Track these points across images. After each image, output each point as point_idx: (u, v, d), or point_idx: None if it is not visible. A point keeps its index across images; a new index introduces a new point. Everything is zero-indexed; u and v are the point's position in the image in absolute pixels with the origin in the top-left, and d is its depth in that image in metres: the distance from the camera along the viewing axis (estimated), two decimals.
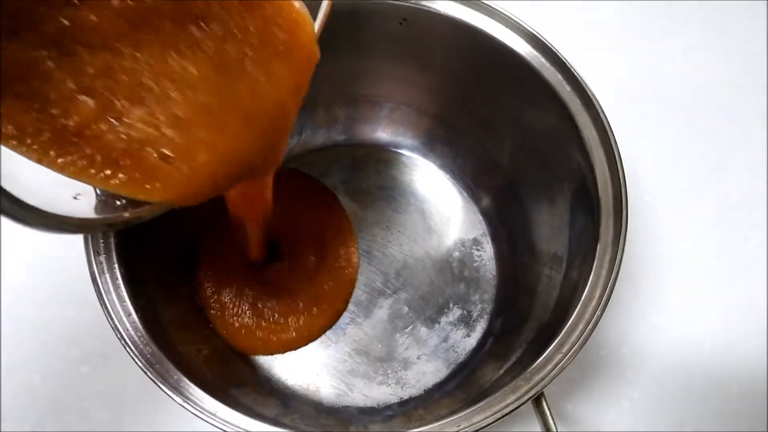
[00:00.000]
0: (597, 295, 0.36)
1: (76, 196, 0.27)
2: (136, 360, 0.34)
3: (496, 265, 0.51)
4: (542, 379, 0.34)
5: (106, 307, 0.35)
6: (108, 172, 0.26)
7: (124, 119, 0.26)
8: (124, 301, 0.35)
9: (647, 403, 0.48)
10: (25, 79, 0.24)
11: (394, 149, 0.55)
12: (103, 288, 0.35)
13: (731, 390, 0.48)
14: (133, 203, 0.28)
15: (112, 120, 0.26)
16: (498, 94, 0.46)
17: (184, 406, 0.33)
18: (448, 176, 0.54)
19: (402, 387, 0.47)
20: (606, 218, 0.38)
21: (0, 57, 0.23)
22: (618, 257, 0.37)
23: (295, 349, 0.48)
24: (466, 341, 0.48)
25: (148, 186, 0.27)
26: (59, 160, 0.25)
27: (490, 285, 0.50)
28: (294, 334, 0.48)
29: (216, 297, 0.48)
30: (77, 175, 0.25)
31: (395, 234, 0.52)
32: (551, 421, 0.35)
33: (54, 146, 0.25)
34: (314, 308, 0.49)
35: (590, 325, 0.36)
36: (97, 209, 0.28)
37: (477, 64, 0.44)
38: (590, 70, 0.41)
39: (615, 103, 0.42)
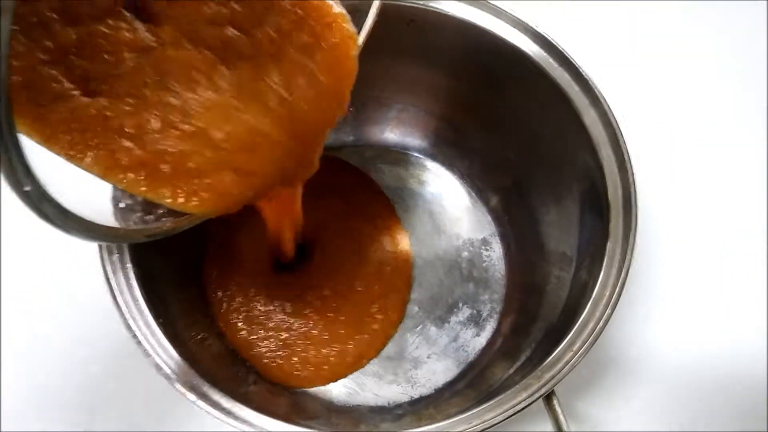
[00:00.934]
0: (607, 294, 0.37)
1: (120, 208, 0.28)
2: (150, 359, 0.34)
3: (505, 264, 0.51)
4: (553, 376, 0.35)
5: (120, 306, 0.35)
6: (163, 186, 0.27)
7: (179, 135, 0.27)
8: (137, 300, 0.35)
9: (658, 402, 0.48)
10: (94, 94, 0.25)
11: (402, 150, 0.55)
12: (117, 287, 0.35)
13: (742, 390, 0.48)
14: (173, 214, 0.29)
15: (168, 136, 0.27)
16: (505, 94, 0.46)
17: (197, 404, 0.33)
18: (456, 177, 0.54)
19: (412, 386, 0.47)
20: (615, 217, 0.38)
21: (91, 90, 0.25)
22: (628, 256, 0.37)
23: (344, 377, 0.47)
24: (476, 340, 0.48)
25: (195, 199, 0.27)
26: (123, 175, 0.26)
27: (499, 285, 0.50)
28: (343, 358, 0.47)
29: (233, 314, 0.47)
30: (133, 188, 0.26)
31: None
32: (562, 419, 0.35)
33: (118, 161, 0.26)
34: (370, 324, 0.48)
35: (600, 324, 0.36)
36: (136, 221, 0.28)
37: (484, 65, 0.45)
38: (597, 70, 0.41)
39: (622, 104, 0.42)
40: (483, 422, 0.33)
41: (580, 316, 0.36)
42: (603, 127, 0.40)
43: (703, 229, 0.53)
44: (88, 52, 0.25)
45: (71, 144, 0.25)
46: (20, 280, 0.49)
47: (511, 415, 0.34)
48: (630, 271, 0.37)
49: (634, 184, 0.38)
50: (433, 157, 0.55)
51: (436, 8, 0.42)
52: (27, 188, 0.19)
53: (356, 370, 0.47)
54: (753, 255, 0.52)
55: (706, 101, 0.58)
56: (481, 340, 0.48)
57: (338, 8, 0.30)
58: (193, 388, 0.33)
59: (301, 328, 0.48)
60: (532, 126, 0.46)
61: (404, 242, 0.52)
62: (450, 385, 0.46)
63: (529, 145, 0.47)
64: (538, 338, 0.42)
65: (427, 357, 0.48)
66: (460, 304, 0.50)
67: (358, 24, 0.33)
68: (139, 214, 0.29)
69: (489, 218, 0.53)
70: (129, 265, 0.36)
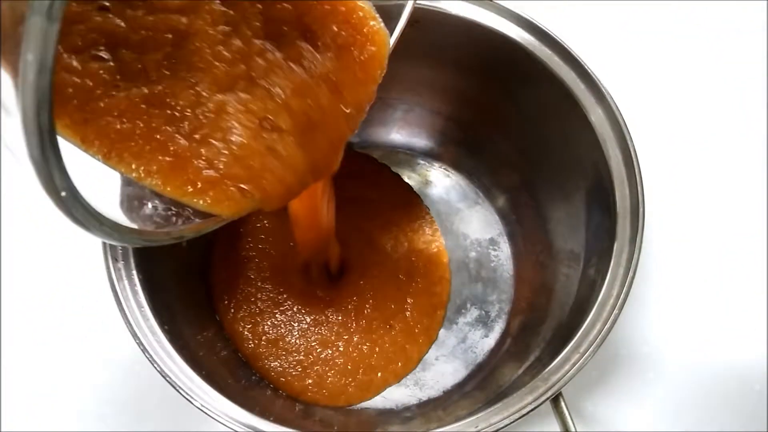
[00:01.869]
0: (614, 294, 0.36)
1: (146, 209, 0.27)
2: (155, 365, 0.34)
3: (513, 264, 0.51)
4: (560, 379, 0.34)
5: (125, 313, 0.35)
6: (198, 188, 0.27)
7: (217, 136, 0.27)
8: (143, 307, 0.36)
9: (667, 402, 0.47)
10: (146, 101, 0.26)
11: (408, 151, 0.55)
12: (122, 294, 0.36)
13: (755, 390, 0.47)
14: (198, 216, 0.29)
15: (207, 138, 0.27)
16: (512, 93, 0.45)
17: (202, 410, 0.33)
18: (463, 176, 0.54)
19: (421, 388, 0.47)
20: (623, 216, 0.38)
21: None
22: (635, 255, 0.36)
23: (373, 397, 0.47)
24: (485, 341, 0.48)
25: (227, 201, 0.27)
26: (154, 179, 0.26)
27: (507, 285, 0.50)
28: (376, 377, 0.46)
29: (239, 324, 0.47)
30: (169, 189, 0.26)
31: None
32: (570, 421, 0.35)
33: (158, 160, 0.26)
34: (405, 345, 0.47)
35: (608, 325, 0.35)
36: (158, 223, 0.28)
37: (490, 64, 0.44)
38: (603, 68, 0.41)
39: (628, 102, 0.41)
40: (490, 425, 0.33)
41: (587, 317, 0.36)
42: (610, 125, 0.39)
43: (711, 227, 0.52)
44: (134, 45, 0.25)
45: (111, 145, 0.25)
46: (26, 285, 0.49)
47: (518, 419, 0.33)
48: (639, 268, 0.36)
49: (641, 182, 0.38)
50: (440, 158, 0.54)
51: (441, 9, 0.42)
52: (63, 194, 0.19)
53: (375, 396, 0.46)
54: (762, 254, 0.51)
55: (712, 99, 0.57)
56: (490, 341, 0.48)
57: (378, 24, 0.30)
58: (197, 394, 0.34)
59: (320, 349, 0.47)
60: (539, 124, 0.45)
61: (443, 260, 0.51)
62: (458, 387, 0.46)
63: (536, 144, 0.47)
64: (547, 338, 0.42)
65: (436, 359, 0.47)
66: (468, 305, 0.49)
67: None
68: (165, 217, 0.28)
69: (496, 217, 0.52)
70: (134, 273, 0.36)
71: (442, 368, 0.47)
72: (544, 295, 0.46)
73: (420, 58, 0.47)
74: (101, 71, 0.25)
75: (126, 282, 0.36)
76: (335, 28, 0.29)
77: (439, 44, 0.45)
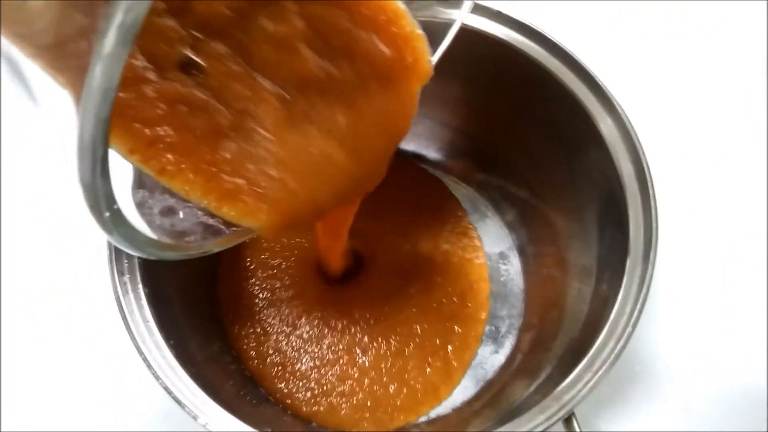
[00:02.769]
0: (628, 311, 0.35)
1: (177, 222, 0.27)
2: (160, 382, 0.34)
3: (523, 279, 0.50)
4: (572, 398, 0.33)
5: (130, 328, 0.35)
6: (231, 198, 0.26)
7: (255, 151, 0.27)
8: (148, 321, 0.35)
9: (683, 421, 0.46)
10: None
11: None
12: (128, 308, 0.35)
13: None
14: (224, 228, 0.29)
15: (246, 150, 0.27)
16: (521, 104, 0.45)
17: (207, 428, 0.32)
18: (472, 189, 0.53)
19: None
20: (635, 230, 0.37)
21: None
22: (649, 271, 0.36)
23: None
24: (495, 358, 0.47)
25: (261, 214, 0.27)
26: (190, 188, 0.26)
27: (517, 299, 0.49)
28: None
29: (244, 341, 0.46)
30: (200, 198, 0.26)
31: None
32: None
33: (194, 172, 0.26)
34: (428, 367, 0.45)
35: (621, 342, 0.35)
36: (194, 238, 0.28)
37: (498, 75, 0.44)
38: (614, 80, 0.40)
39: (640, 114, 0.41)
40: None
41: (600, 333, 0.35)
42: (621, 138, 0.39)
43: (726, 241, 0.51)
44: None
45: (159, 157, 0.25)
46: (29, 289, 0.49)
47: None
48: (654, 282, 0.35)
49: (654, 195, 0.37)
50: (449, 170, 0.54)
51: (448, 20, 0.41)
52: (107, 214, 0.19)
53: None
54: None
55: (725, 109, 0.56)
56: (500, 358, 0.47)
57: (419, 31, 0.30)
58: (203, 411, 0.33)
59: (336, 382, 0.45)
60: (549, 137, 0.45)
61: (484, 277, 0.49)
62: (468, 405, 0.45)
63: (546, 157, 0.46)
64: (559, 354, 0.41)
65: None
66: None
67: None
68: (196, 232, 0.28)
69: (506, 231, 0.52)
70: (140, 287, 0.36)
71: None
72: (555, 310, 0.45)
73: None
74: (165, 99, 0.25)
75: (132, 296, 0.36)
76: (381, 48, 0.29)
77: (448, 56, 0.44)
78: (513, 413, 0.36)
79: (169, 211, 0.27)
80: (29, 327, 0.48)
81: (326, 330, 0.47)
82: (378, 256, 0.50)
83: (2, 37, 0.18)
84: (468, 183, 0.53)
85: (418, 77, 0.30)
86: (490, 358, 0.47)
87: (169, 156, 0.25)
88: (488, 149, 0.51)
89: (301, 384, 0.45)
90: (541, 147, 0.46)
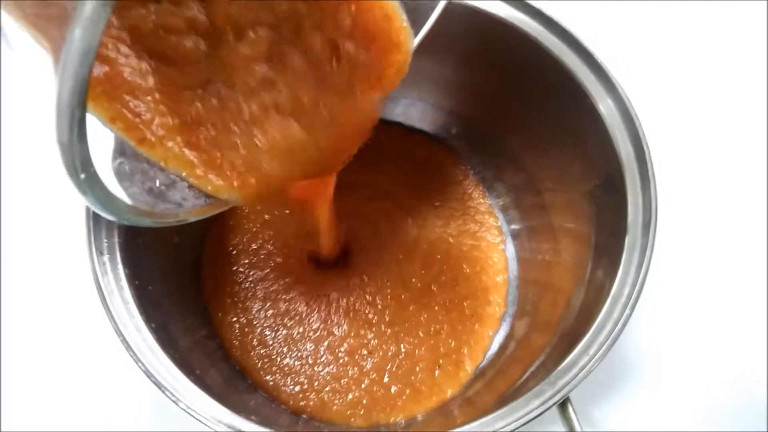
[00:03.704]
0: (626, 294, 0.34)
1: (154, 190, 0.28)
2: (140, 364, 0.32)
3: (517, 264, 0.49)
4: (567, 383, 0.32)
5: (109, 310, 0.33)
6: (212, 170, 0.27)
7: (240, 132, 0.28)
8: (128, 303, 0.34)
9: (678, 409, 0.45)
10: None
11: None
12: (106, 290, 0.34)
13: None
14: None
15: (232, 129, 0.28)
16: (517, 85, 0.44)
17: (188, 412, 0.31)
18: (466, 173, 0.52)
19: None
20: (634, 213, 0.36)
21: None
22: (648, 252, 0.35)
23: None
24: None
25: (236, 183, 0.28)
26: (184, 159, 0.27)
27: (511, 286, 0.48)
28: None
29: (228, 329, 0.44)
30: (177, 168, 0.27)
31: None
32: (578, 426, 0.33)
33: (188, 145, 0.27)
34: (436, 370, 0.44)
35: (618, 326, 0.34)
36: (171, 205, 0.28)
37: (495, 55, 0.43)
38: (613, 58, 0.39)
39: (638, 93, 0.40)
40: (495, 430, 0.31)
41: (596, 318, 0.34)
42: (620, 117, 0.37)
43: (725, 229, 0.51)
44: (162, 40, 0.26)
45: (138, 123, 0.26)
46: (12, 278, 0.48)
47: (524, 423, 0.31)
48: (650, 268, 0.35)
49: (654, 176, 0.36)
50: (442, 153, 0.52)
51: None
52: (83, 176, 0.20)
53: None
54: None
55: (724, 91, 0.55)
56: (494, 345, 0.46)
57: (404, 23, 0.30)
58: (184, 395, 0.32)
59: (330, 379, 0.43)
60: (546, 118, 0.44)
61: (503, 259, 0.47)
62: (460, 393, 0.44)
63: (542, 139, 0.45)
64: (553, 341, 0.40)
65: None
66: None
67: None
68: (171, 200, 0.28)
69: (500, 215, 0.50)
70: (120, 267, 0.35)
71: None
72: (550, 297, 0.44)
73: (422, 50, 0.45)
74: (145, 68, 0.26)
75: (111, 276, 0.34)
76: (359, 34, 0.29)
77: (443, 35, 0.43)
78: (507, 398, 0.35)
79: (147, 179, 0.27)
80: (7, 311, 0.47)
81: (318, 324, 0.45)
82: (380, 239, 0.48)
83: None
84: (462, 167, 0.52)
85: (384, 88, 0.31)
86: None
87: (152, 127, 0.26)
88: (482, 133, 0.50)
89: (289, 379, 0.43)
90: (538, 128, 0.45)
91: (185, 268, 0.45)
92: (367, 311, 0.45)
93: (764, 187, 0.52)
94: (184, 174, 0.27)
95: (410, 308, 0.45)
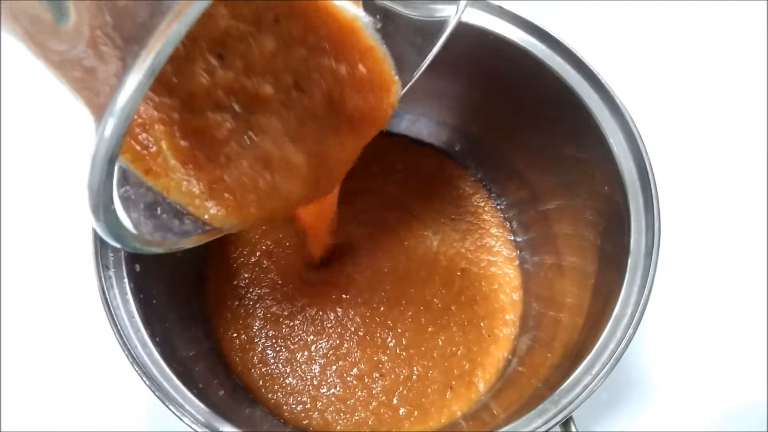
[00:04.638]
0: (629, 313, 0.34)
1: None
2: (144, 380, 0.32)
3: (521, 280, 0.49)
4: (570, 402, 0.32)
5: (115, 323, 0.34)
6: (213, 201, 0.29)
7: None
8: (133, 317, 0.34)
9: (682, 429, 0.45)
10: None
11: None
12: (112, 303, 0.34)
13: None
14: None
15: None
16: (521, 103, 0.44)
17: (192, 428, 0.31)
18: (476, 186, 0.52)
19: None
20: (637, 231, 0.36)
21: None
22: (651, 273, 0.35)
23: None
24: None
25: (240, 213, 0.30)
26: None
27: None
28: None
29: (229, 344, 0.44)
30: (179, 197, 0.29)
31: None
32: None
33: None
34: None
35: (622, 345, 0.34)
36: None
37: (499, 73, 0.43)
38: (616, 78, 0.39)
39: (640, 111, 0.40)
40: None
41: (600, 337, 0.34)
42: (624, 137, 0.38)
43: (729, 245, 0.50)
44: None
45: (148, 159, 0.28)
46: (16, 283, 0.48)
47: None
48: (654, 286, 0.35)
49: (657, 195, 0.36)
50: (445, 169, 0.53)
51: (442, 18, 0.40)
52: (101, 215, 0.21)
53: None
54: None
55: (726, 109, 0.55)
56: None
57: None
58: (189, 411, 0.32)
59: (335, 400, 0.42)
60: (550, 137, 0.44)
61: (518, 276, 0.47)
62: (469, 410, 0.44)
63: (547, 157, 0.45)
64: (556, 359, 0.40)
65: None
66: None
67: None
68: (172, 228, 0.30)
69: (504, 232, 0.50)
70: (126, 281, 0.35)
71: None
72: (552, 313, 0.44)
73: (427, 67, 0.45)
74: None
75: (117, 291, 0.34)
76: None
77: (448, 53, 0.43)
78: (510, 417, 0.35)
79: (151, 208, 0.28)
80: (14, 322, 0.47)
81: (328, 347, 0.44)
82: (397, 252, 0.47)
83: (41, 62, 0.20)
84: (466, 182, 0.52)
85: (386, 101, 0.32)
86: None
87: (159, 159, 0.28)
88: (486, 150, 0.50)
89: (291, 398, 0.43)
90: (541, 146, 0.45)
91: (189, 283, 0.45)
92: (384, 336, 0.44)
93: (766, 206, 0.52)
94: (184, 202, 0.28)
95: (429, 330, 0.44)
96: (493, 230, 0.49)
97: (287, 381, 0.43)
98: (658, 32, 0.58)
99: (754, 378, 0.46)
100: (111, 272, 0.35)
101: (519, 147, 0.47)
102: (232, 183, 0.29)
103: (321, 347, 0.44)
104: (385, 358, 0.43)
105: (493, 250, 0.48)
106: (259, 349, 0.44)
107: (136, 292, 0.35)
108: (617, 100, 0.38)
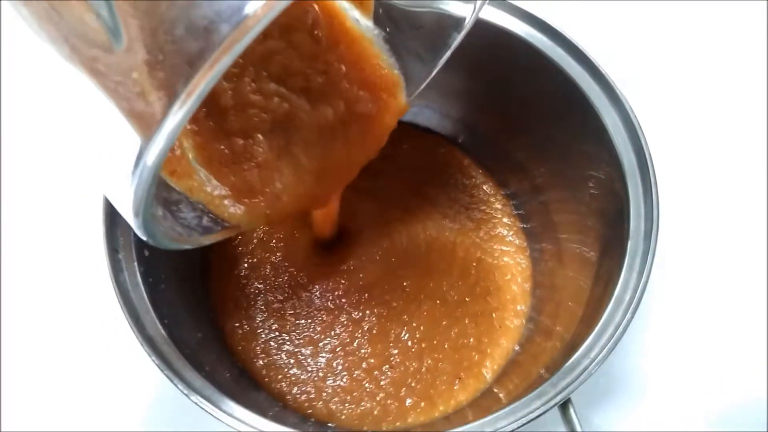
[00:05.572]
0: (627, 298, 0.35)
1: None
2: (154, 359, 0.33)
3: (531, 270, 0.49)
4: (569, 384, 0.33)
5: (125, 304, 0.34)
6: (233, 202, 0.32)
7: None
8: (142, 298, 0.35)
9: (681, 416, 0.46)
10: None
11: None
12: (122, 287, 0.35)
13: None
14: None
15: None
16: (524, 95, 0.45)
17: (200, 406, 0.32)
18: (472, 179, 0.53)
19: None
20: (636, 220, 0.37)
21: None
22: (649, 260, 0.35)
23: None
24: None
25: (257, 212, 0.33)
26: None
27: None
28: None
29: (235, 333, 0.44)
30: (201, 197, 0.31)
31: None
32: (578, 428, 0.33)
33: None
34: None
35: (620, 329, 0.34)
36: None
37: (503, 65, 0.44)
38: (616, 69, 0.40)
39: (642, 102, 0.40)
40: (496, 429, 0.32)
41: (599, 321, 0.35)
42: (624, 127, 0.38)
43: (728, 235, 0.51)
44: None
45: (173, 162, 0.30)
46: (24, 278, 0.48)
47: (525, 423, 0.32)
48: (653, 273, 0.35)
49: (656, 184, 0.37)
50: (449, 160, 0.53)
51: (458, 16, 0.41)
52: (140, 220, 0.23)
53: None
54: None
55: (727, 101, 0.56)
56: None
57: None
58: (201, 394, 0.33)
59: (340, 390, 0.42)
60: (552, 128, 0.45)
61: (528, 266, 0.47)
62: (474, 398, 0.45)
63: (548, 148, 0.46)
64: (556, 344, 0.41)
65: None
66: None
67: None
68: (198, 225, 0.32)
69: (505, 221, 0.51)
70: (135, 264, 0.36)
71: None
72: (553, 299, 0.45)
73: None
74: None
75: (126, 274, 0.35)
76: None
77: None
78: (512, 402, 0.35)
79: (177, 207, 0.30)
80: (25, 309, 0.48)
81: (325, 334, 0.45)
82: (415, 242, 0.47)
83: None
84: (468, 173, 0.53)
85: (393, 114, 0.35)
86: None
87: (183, 162, 0.31)
88: (488, 141, 0.51)
89: (296, 389, 0.43)
90: (543, 137, 0.46)
91: (195, 271, 0.46)
92: (399, 331, 0.44)
93: (765, 197, 0.52)
94: (206, 202, 0.31)
95: (443, 323, 0.45)
96: (506, 219, 0.49)
97: (290, 371, 0.44)
98: (658, 23, 0.59)
99: (753, 366, 0.47)
100: (120, 255, 0.35)
101: (520, 138, 0.48)
102: (250, 185, 0.32)
103: (330, 342, 0.44)
104: (396, 351, 0.44)
105: (506, 239, 0.48)
106: (260, 338, 0.44)
107: (146, 275, 0.35)
108: (617, 91, 0.39)
